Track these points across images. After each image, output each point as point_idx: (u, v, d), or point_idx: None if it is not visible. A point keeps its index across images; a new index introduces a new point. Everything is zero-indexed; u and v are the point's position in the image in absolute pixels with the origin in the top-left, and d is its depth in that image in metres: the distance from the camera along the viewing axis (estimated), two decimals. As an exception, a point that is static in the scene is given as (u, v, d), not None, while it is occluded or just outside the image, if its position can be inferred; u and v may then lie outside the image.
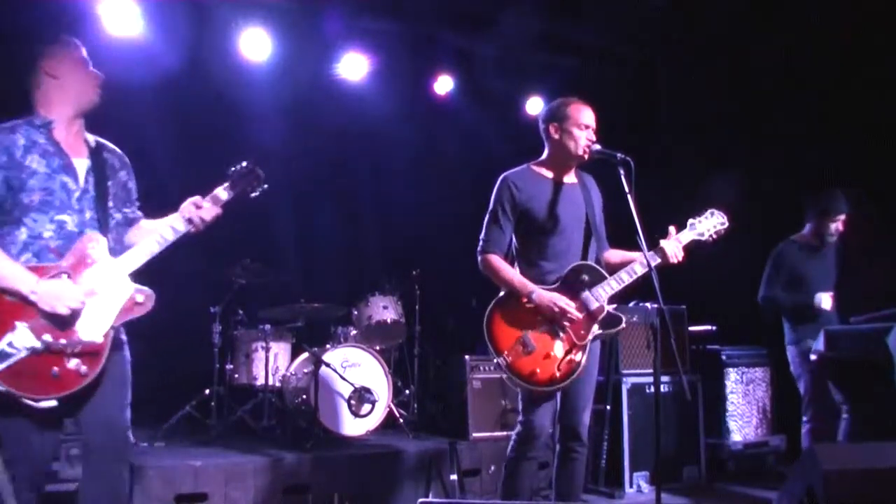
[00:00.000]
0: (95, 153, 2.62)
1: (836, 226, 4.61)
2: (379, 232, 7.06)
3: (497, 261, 3.23)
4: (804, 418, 4.58)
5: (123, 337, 2.64)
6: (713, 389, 5.39)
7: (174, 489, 3.87)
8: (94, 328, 2.41)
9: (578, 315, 3.09)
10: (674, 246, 3.19)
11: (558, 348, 3.10)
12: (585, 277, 3.15)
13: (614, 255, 3.35)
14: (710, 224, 3.30)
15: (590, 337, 3.13)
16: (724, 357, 5.55)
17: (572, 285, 3.15)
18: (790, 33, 5.55)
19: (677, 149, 6.31)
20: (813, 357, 4.45)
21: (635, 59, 6.49)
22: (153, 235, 2.56)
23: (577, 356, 3.09)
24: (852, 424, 4.33)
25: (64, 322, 2.36)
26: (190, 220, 2.59)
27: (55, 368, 2.33)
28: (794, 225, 5.03)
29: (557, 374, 3.07)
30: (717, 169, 5.79)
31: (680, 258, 3.19)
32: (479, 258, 3.28)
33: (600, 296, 3.13)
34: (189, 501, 3.90)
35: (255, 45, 5.97)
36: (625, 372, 5.01)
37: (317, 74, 6.44)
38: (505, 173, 3.31)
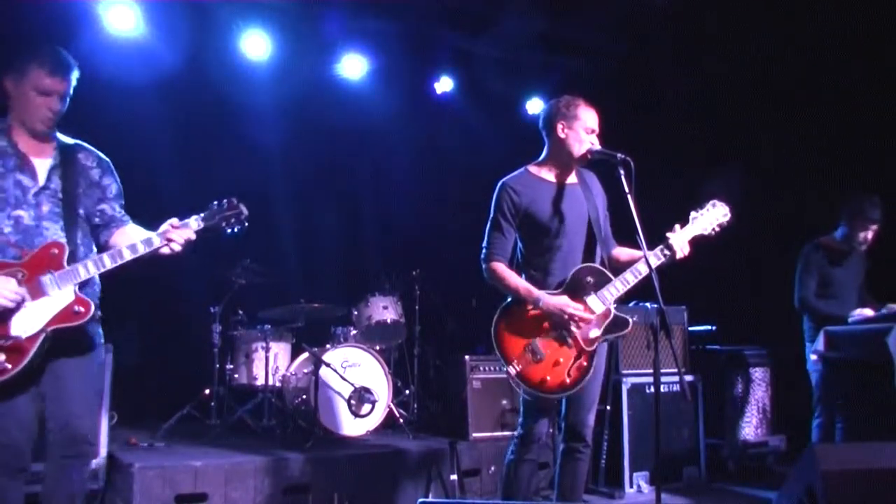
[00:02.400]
0: (65, 153, 2.74)
1: (867, 234, 4.57)
2: (379, 232, 7.06)
3: (502, 268, 3.18)
4: (815, 413, 4.57)
5: (97, 339, 2.76)
6: (713, 389, 5.38)
7: (174, 489, 3.86)
8: (25, 326, 2.50)
9: (589, 317, 3.06)
10: (681, 240, 3.15)
11: (567, 355, 3.06)
12: (590, 280, 3.11)
13: (622, 252, 3.31)
14: (711, 217, 3.25)
15: (598, 342, 3.10)
16: (724, 357, 5.56)
17: (577, 288, 3.10)
18: (790, 32, 5.55)
19: (677, 148, 6.30)
20: (813, 357, 4.45)
21: (635, 59, 6.48)
22: (123, 246, 2.65)
23: (586, 362, 3.07)
24: (846, 433, 4.32)
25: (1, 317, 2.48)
26: (168, 240, 2.67)
27: None
28: (794, 224, 5.03)
29: (567, 381, 3.05)
30: (716, 168, 5.79)
31: (686, 252, 3.15)
32: (484, 266, 3.23)
33: (606, 298, 3.09)
34: (189, 501, 3.89)
35: (255, 45, 5.98)
36: (625, 372, 5.01)
37: (317, 74, 6.45)
38: (503, 179, 3.26)
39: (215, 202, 2.80)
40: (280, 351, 5.59)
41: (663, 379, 4.92)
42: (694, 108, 6.28)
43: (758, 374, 5.59)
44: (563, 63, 6.67)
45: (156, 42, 5.53)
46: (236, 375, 5.54)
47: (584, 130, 3.20)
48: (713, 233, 3.27)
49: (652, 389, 4.88)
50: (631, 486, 4.87)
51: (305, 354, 5.29)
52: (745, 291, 5.75)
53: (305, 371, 5.13)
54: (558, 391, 3.06)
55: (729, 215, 3.28)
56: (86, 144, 2.86)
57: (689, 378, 5.17)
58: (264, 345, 5.39)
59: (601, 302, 3.09)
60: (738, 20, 5.63)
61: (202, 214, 2.77)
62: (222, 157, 5.92)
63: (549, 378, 3.03)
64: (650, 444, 4.85)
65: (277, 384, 5.41)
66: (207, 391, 5.33)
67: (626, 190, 3.01)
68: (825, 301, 4.57)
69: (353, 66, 6.48)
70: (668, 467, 5.04)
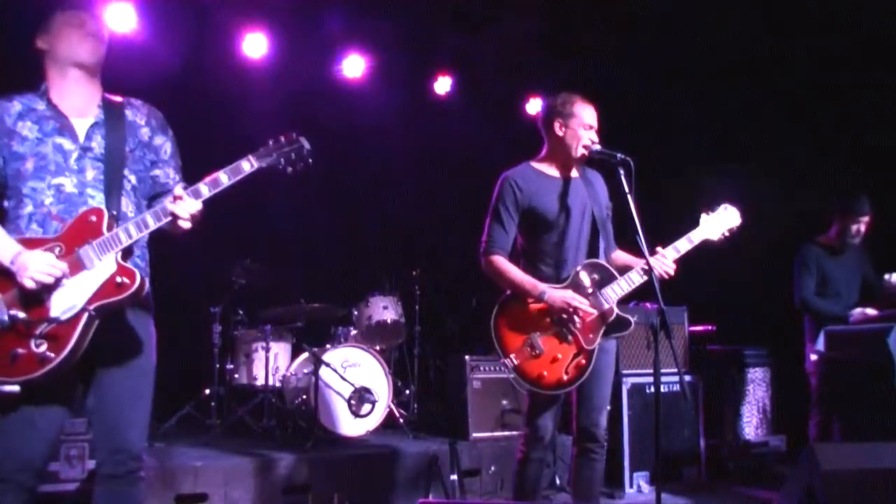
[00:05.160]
0: (110, 110, 2.43)
1: (858, 227, 4.59)
2: (379, 232, 7.06)
3: (502, 262, 3.14)
4: (813, 410, 4.57)
5: (147, 333, 2.54)
6: (713, 389, 5.38)
7: (174, 489, 3.86)
8: (64, 306, 2.16)
9: (594, 312, 3.02)
10: (661, 264, 3.06)
11: (566, 352, 3.02)
12: (596, 276, 3.07)
13: (619, 257, 3.27)
14: (722, 221, 3.21)
15: (598, 341, 3.04)
16: (724, 357, 5.56)
17: (580, 285, 3.06)
18: (790, 33, 5.55)
19: (677, 149, 6.30)
20: (814, 357, 4.45)
21: (635, 59, 6.48)
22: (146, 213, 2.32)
23: (585, 360, 3.02)
24: (844, 433, 4.33)
25: (37, 298, 2.15)
26: (173, 214, 2.27)
27: (18, 350, 2.12)
28: (794, 224, 5.02)
29: (564, 378, 3.01)
30: (717, 169, 5.78)
31: (670, 273, 3.07)
32: (483, 260, 3.18)
33: (610, 297, 3.05)
34: (189, 501, 3.89)
35: (255, 44, 5.98)
36: (625, 372, 5.00)
37: (316, 74, 6.45)
38: (505, 172, 3.23)
39: (271, 139, 2.43)
40: (280, 351, 5.59)
41: (663, 379, 4.92)
42: (695, 109, 6.27)
43: (758, 374, 5.59)
44: (563, 63, 6.66)
45: (155, 42, 5.52)
46: (236, 375, 5.54)
47: (581, 127, 3.17)
48: (721, 238, 3.21)
49: (652, 389, 4.88)
50: (631, 486, 4.87)
51: (305, 354, 5.28)
52: (745, 291, 5.74)
53: (305, 371, 5.13)
54: (555, 387, 3.02)
55: (739, 221, 3.24)
56: (135, 100, 2.55)
57: (689, 378, 5.16)
58: (264, 345, 5.39)
59: (604, 300, 3.04)
60: (739, 20, 5.63)
61: (255, 153, 2.40)
62: (221, 157, 5.90)
63: (546, 373, 3.00)
64: (650, 444, 4.85)
65: (277, 384, 5.40)
66: (207, 391, 5.33)
67: (626, 190, 2.99)
68: (825, 300, 4.57)
69: (353, 66, 6.48)
70: (668, 467, 5.03)
